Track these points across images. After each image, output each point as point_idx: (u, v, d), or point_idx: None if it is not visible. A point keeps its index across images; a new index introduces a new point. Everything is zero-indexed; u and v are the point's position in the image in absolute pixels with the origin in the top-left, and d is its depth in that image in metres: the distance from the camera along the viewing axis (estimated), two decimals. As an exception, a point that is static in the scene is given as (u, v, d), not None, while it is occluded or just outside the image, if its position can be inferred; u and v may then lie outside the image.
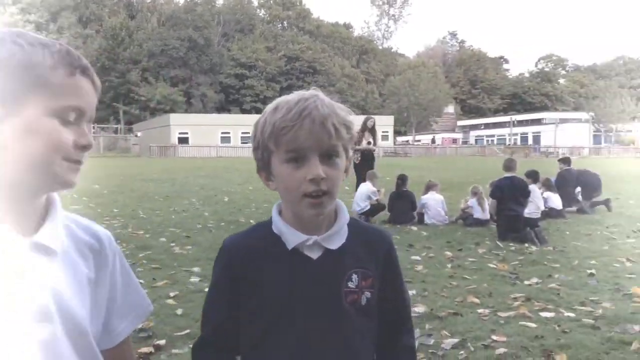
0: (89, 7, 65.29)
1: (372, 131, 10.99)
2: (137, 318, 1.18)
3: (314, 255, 1.19)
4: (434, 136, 62.46)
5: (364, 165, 10.44)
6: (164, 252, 6.60)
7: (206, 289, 4.79)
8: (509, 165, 8.34)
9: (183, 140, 46.02)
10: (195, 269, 5.69)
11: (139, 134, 51.64)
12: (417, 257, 6.56)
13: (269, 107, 1.19)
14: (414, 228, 8.83)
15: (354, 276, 1.21)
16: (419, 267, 6.04)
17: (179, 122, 48.12)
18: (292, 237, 1.19)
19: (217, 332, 1.25)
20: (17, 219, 0.97)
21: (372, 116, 11.90)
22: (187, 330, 3.88)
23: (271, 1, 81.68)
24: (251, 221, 9.14)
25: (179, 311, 4.32)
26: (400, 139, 65.22)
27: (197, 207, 11.06)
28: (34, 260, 0.96)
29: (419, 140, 64.77)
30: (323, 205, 1.15)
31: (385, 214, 9.69)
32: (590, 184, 11.70)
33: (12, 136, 0.94)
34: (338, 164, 1.16)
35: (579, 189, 11.64)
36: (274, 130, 1.14)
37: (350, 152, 1.22)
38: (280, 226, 1.21)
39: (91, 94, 1.02)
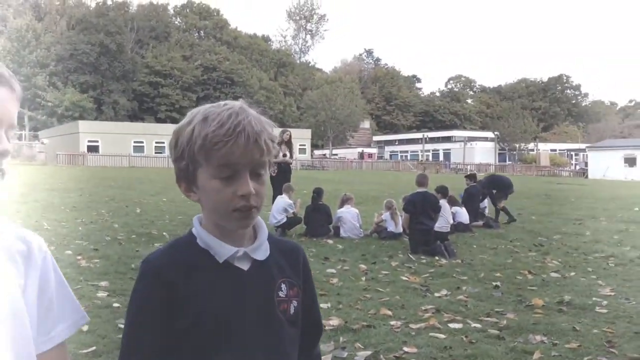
0: (-8, 6, 61.68)
1: (289, 144, 11.06)
2: (72, 325, 1.17)
3: (244, 266, 1.19)
4: (362, 150, 63.88)
5: (281, 178, 10.44)
6: (69, 266, 6.27)
7: (114, 304, 4.60)
8: (421, 181, 8.62)
9: (93, 149, 44.35)
10: (103, 284, 5.46)
11: (45, 141, 49.02)
12: (333, 270, 6.62)
13: (196, 116, 1.16)
14: (330, 241, 8.90)
15: (283, 285, 1.23)
16: (334, 280, 6.09)
17: (88, 130, 46.42)
18: (222, 250, 1.18)
19: None
20: None
21: (288, 129, 12.00)
22: (93, 348, 3.71)
23: (187, 10, 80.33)
24: (164, 233, 8.88)
25: (85, 327, 4.10)
26: (318, 152, 65.88)
27: (107, 219, 10.62)
28: None
29: (336, 154, 65.68)
30: (251, 218, 1.18)
31: (301, 227, 9.71)
32: (503, 184, 12.49)
33: None
34: (265, 179, 1.19)
35: (484, 204, 12.20)
36: (205, 144, 1.12)
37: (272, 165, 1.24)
38: (206, 239, 1.19)
39: (6, 100, 1.01)
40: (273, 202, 9.87)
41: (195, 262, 1.17)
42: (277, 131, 1.25)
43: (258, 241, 1.22)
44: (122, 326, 1.25)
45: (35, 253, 1.12)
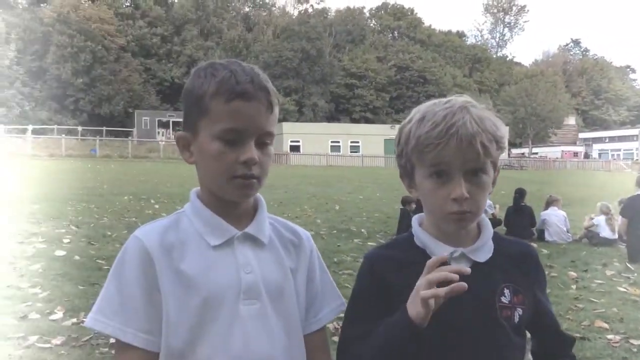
0: (210, 20, 68.67)
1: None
2: (335, 309, 1.28)
3: None
4: (585, 150, 59.55)
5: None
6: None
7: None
8: (642, 182, 7.76)
9: (295, 148, 47.07)
10: (310, 276, 5.77)
11: (253, 141, 53.31)
12: (538, 276, 6.25)
13: (416, 115, 1.16)
14: (534, 245, 8.41)
15: (506, 291, 1.18)
16: (541, 287, 5.75)
17: (291, 131, 49.31)
18: (438, 250, 1.17)
19: (357, 341, 1.18)
20: (228, 217, 1.16)
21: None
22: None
23: (382, 11, 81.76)
24: (362, 230, 9.15)
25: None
26: (515, 151, 62.68)
27: (309, 214, 11.27)
28: (244, 247, 1.15)
29: (535, 153, 61.89)
30: (466, 222, 1.15)
31: (501, 229, 9.33)
32: None
33: (197, 157, 1.13)
34: (484, 181, 1.14)
35: None
36: (417, 145, 1.12)
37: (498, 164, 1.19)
38: (423, 239, 1.20)
39: (253, 113, 1.10)
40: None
41: (410, 259, 1.18)
42: (505, 130, 1.20)
43: (479, 242, 1.18)
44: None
45: (305, 244, 1.26)
